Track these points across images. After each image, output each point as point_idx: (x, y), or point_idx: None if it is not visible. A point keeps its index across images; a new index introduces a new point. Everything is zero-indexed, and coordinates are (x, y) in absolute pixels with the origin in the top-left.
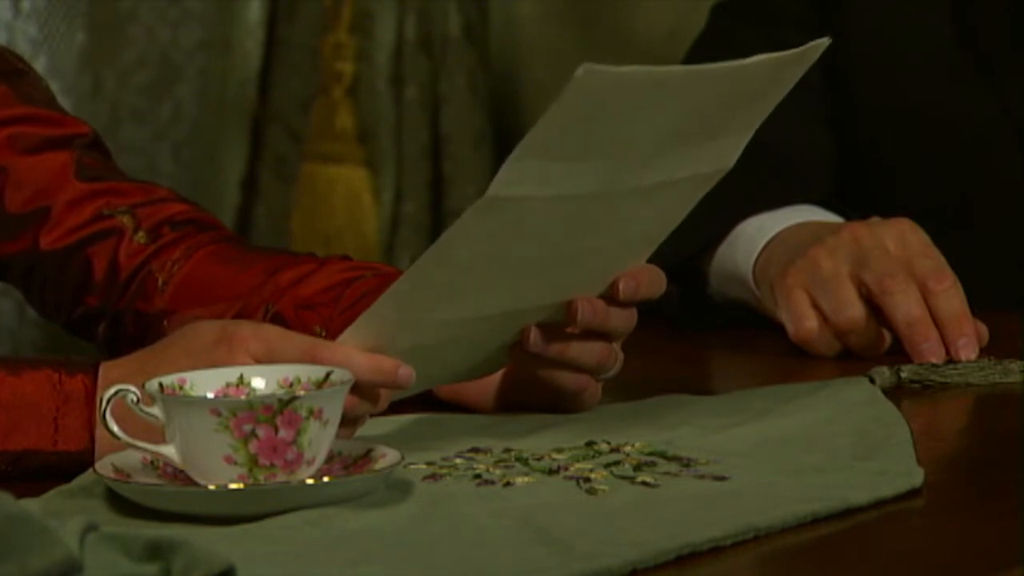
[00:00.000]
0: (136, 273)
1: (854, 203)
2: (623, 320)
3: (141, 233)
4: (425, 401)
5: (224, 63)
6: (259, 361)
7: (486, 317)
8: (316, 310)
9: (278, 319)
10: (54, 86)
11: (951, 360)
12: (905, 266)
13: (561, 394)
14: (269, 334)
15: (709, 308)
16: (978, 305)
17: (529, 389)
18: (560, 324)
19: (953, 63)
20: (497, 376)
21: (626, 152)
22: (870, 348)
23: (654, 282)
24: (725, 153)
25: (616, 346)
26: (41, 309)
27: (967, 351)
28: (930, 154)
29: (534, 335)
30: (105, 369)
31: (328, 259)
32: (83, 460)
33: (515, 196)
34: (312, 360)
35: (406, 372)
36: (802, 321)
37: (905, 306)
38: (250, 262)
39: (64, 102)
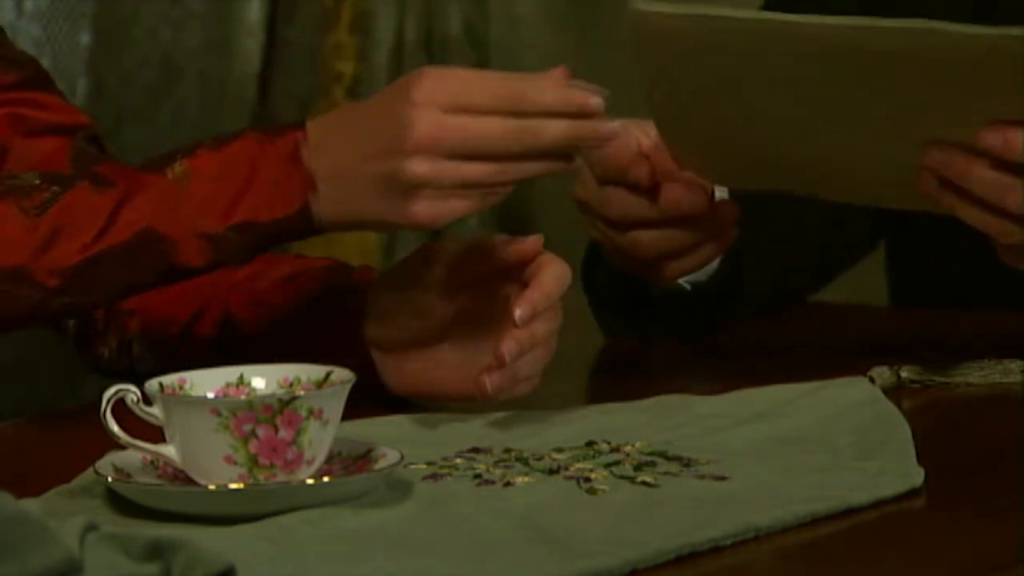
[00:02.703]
0: None
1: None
2: None
3: None
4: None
5: (225, 63)
6: (447, 110)
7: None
8: (270, 305)
9: (232, 317)
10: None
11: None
12: None
13: None
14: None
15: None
16: (978, 305)
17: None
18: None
19: None
20: None
21: None
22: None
23: None
24: None
25: None
26: None
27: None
28: None
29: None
30: (311, 126)
31: (281, 255)
32: (304, 221)
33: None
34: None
35: (596, 100)
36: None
37: None
38: None
39: None
